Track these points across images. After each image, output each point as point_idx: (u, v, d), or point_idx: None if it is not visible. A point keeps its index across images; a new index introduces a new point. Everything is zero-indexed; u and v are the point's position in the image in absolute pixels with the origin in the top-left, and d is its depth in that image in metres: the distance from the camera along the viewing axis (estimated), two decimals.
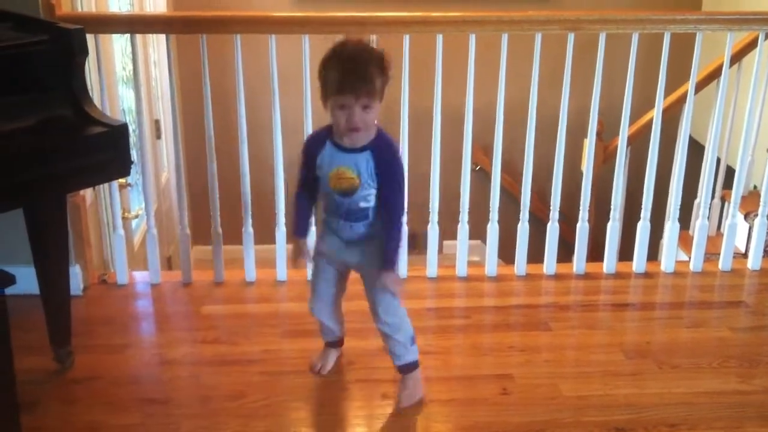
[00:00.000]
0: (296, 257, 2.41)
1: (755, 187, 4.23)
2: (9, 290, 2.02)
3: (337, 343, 2.61)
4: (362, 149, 2.19)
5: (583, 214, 3.26)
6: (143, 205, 3.20)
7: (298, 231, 2.40)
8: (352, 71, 2.08)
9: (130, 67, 3.37)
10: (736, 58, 3.70)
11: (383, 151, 2.20)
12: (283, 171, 3.08)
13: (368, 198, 2.24)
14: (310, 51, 2.93)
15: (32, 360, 2.52)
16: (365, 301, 2.43)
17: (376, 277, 2.28)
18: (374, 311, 2.36)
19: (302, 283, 3.17)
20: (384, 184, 2.21)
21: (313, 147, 2.25)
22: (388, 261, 2.25)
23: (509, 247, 3.33)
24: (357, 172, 2.19)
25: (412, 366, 2.43)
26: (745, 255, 3.64)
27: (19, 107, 2.14)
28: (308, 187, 2.35)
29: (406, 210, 2.27)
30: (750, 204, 4.01)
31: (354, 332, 2.75)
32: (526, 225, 3.24)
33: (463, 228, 3.22)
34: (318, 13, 3.06)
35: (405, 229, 2.28)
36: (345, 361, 2.62)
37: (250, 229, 3.15)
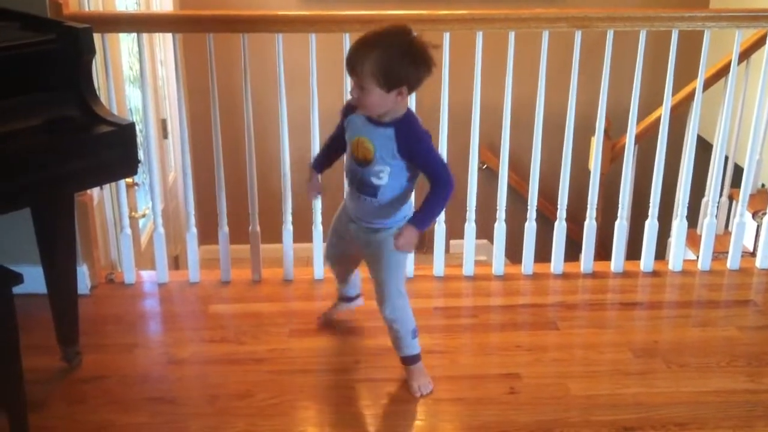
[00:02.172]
0: (308, 188, 2.59)
1: (763, 185, 4.22)
2: (16, 289, 2.03)
3: (346, 299, 2.75)
4: (386, 125, 2.23)
5: (591, 213, 3.25)
6: (150, 205, 3.20)
7: (315, 164, 2.57)
8: (353, 50, 2.15)
9: (137, 66, 3.37)
10: (745, 55, 3.68)
11: (405, 132, 2.23)
12: (290, 170, 3.08)
13: (380, 175, 2.27)
14: (316, 50, 2.93)
15: (40, 359, 2.52)
16: (373, 301, 2.44)
17: (377, 268, 2.38)
18: (378, 299, 2.43)
19: (309, 282, 3.18)
20: (416, 162, 2.27)
21: (347, 108, 2.34)
22: (420, 217, 2.28)
23: (516, 246, 3.32)
24: (373, 145, 2.24)
25: (412, 359, 2.47)
26: (753, 254, 3.63)
27: (27, 107, 2.13)
28: (338, 139, 2.43)
29: (452, 182, 2.28)
30: (758, 202, 4.00)
31: (361, 331, 2.76)
32: (534, 224, 3.24)
33: (470, 227, 3.22)
34: (325, 11, 3.06)
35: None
36: (352, 360, 2.62)
37: (257, 229, 3.15)
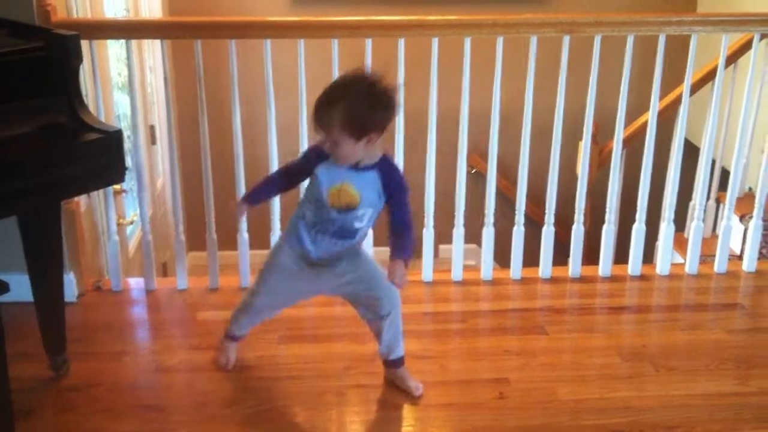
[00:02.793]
0: (235, 215, 2.49)
1: (750, 188, 4.24)
2: (3, 298, 2.03)
3: (240, 338, 2.64)
4: (368, 169, 2.23)
5: (579, 217, 3.26)
6: (138, 212, 3.19)
7: (251, 198, 2.46)
8: (318, 106, 2.14)
9: (125, 72, 3.36)
10: (732, 59, 3.70)
11: (387, 172, 2.25)
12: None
13: (363, 218, 2.28)
14: (305, 55, 2.93)
15: (27, 368, 2.51)
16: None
17: (368, 277, 2.38)
18: (378, 306, 2.39)
19: None
20: (397, 197, 2.26)
21: (322, 153, 2.24)
22: (405, 251, 2.27)
23: (505, 250, 3.33)
24: (359, 191, 2.23)
25: (401, 361, 2.49)
26: (740, 257, 3.64)
27: (14, 114, 2.13)
28: (290, 176, 2.41)
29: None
30: (745, 206, 4.02)
31: (351, 337, 2.75)
32: (522, 228, 3.24)
33: (459, 231, 3.22)
34: (314, 17, 3.06)
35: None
36: (341, 366, 2.62)
37: (245, 235, 3.15)
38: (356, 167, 2.22)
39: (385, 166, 2.25)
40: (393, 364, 2.50)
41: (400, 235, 2.28)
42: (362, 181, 2.23)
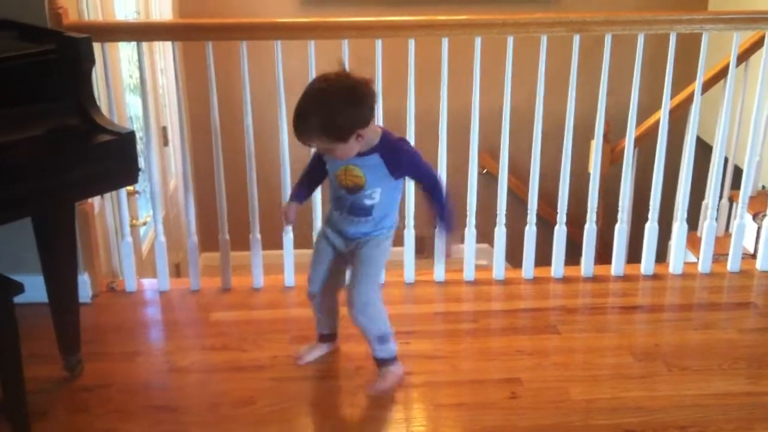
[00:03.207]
0: (285, 217, 2.54)
1: (763, 187, 4.22)
2: (18, 299, 2.04)
3: (327, 338, 2.66)
4: (369, 154, 2.26)
5: (591, 216, 3.26)
6: (151, 213, 3.21)
7: (296, 197, 2.52)
8: (295, 128, 2.18)
9: (136, 74, 3.38)
10: (743, 57, 3.68)
11: (389, 154, 2.27)
12: (290, 176, 3.08)
13: (373, 196, 2.32)
14: (316, 56, 2.94)
15: (42, 368, 2.52)
16: None
17: (358, 267, 2.39)
18: (349, 300, 2.40)
19: None
20: (408, 174, 2.33)
21: None
22: (447, 225, 2.36)
23: (517, 250, 3.32)
24: (363, 173, 2.27)
25: (384, 362, 2.49)
26: (753, 256, 3.63)
27: (27, 116, 2.14)
28: (316, 168, 2.46)
29: (441, 180, 2.38)
30: (758, 204, 4.00)
31: (360, 337, 2.75)
32: (534, 228, 3.24)
33: (471, 231, 3.22)
34: (323, 18, 3.07)
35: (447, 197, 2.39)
36: (353, 366, 2.63)
37: (258, 236, 3.16)
38: (358, 154, 2.26)
39: (386, 148, 2.27)
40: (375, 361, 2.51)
41: (438, 204, 2.34)
42: (366, 165, 2.27)
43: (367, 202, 2.32)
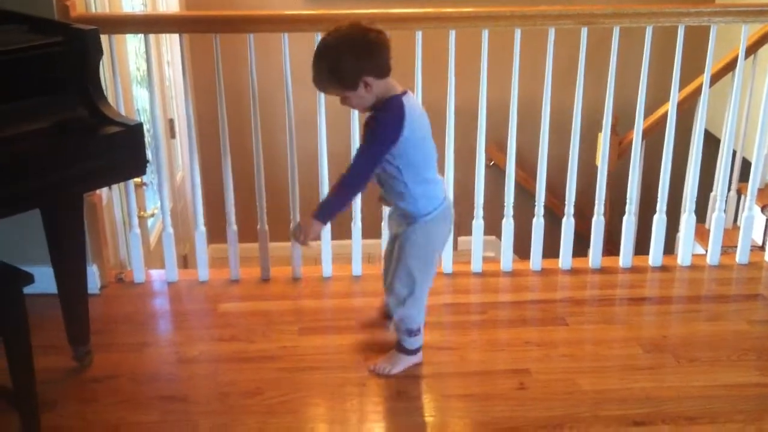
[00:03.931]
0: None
1: None
2: (27, 290, 2.05)
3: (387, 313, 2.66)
4: (374, 109, 2.29)
5: (599, 208, 3.25)
6: (159, 204, 3.22)
7: None
8: (312, 76, 2.24)
9: (144, 67, 3.38)
10: (751, 50, 3.67)
11: (377, 112, 2.27)
12: (297, 168, 3.09)
13: None
14: None
15: (51, 359, 2.53)
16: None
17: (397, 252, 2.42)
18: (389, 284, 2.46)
19: (317, 279, 3.19)
20: (363, 138, 2.31)
21: None
22: (319, 207, 2.32)
23: (524, 242, 3.32)
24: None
25: (403, 349, 2.53)
26: (761, 247, 3.63)
27: (36, 109, 2.15)
28: None
29: (365, 179, 2.30)
30: (766, 196, 3.99)
31: (371, 328, 2.75)
32: (541, 220, 3.24)
33: (478, 224, 3.22)
34: (330, 10, 3.06)
35: (353, 191, 2.38)
36: (361, 357, 2.63)
37: (266, 227, 3.16)
38: (370, 109, 2.29)
39: (376, 112, 2.27)
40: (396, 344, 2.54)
41: (333, 188, 2.34)
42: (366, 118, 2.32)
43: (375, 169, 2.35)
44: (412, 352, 2.55)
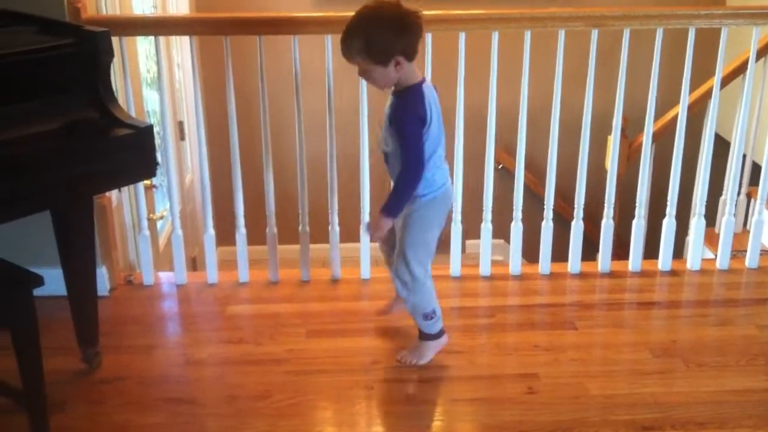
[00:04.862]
0: None
1: None
2: (37, 291, 2.05)
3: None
4: (394, 94, 2.34)
5: (608, 212, 3.24)
6: (168, 206, 3.22)
7: None
8: (341, 40, 2.27)
9: (154, 69, 3.39)
10: (762, 52, 3.65)
11: (398, 103, 2.32)
12: (306, 170, 3.09)
13: (387, 141, 2.38)
14: (332, 51, 2.94)
15: (60, 360, 2.54)
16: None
17: (398, 237, 2.47)
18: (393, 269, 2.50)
19: (326, 282, 3.19)
20: (396, 136, 2.32)
21: None
22: (385, 203, 2.36)
23: (533, 245, 3.31)
24: (385, 112, 2.37)
25: (425, 336, 2.56)
26: None
27: (46, 110, 2.15)
28: None
29: (421, 167, 2.33)
30: None
31: (378, 331, 2.76)
32: (550, 223, 3.23)
33: (487, 227, 3.21)
34: (339, 13, 3.06)
35: (414, 185, 2.37)
36: (369, 360, 2.63)
37: (274, 230, 3.16)
38: (394, 91, 2.33)
39: (402, 97, 2.31)
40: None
41: (394, 187, 2.36)
42: (389, 104, 2.36)
43: (384, 147, 2.38)
44: (435, 336, 2.57)
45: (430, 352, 2.58)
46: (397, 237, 2.49)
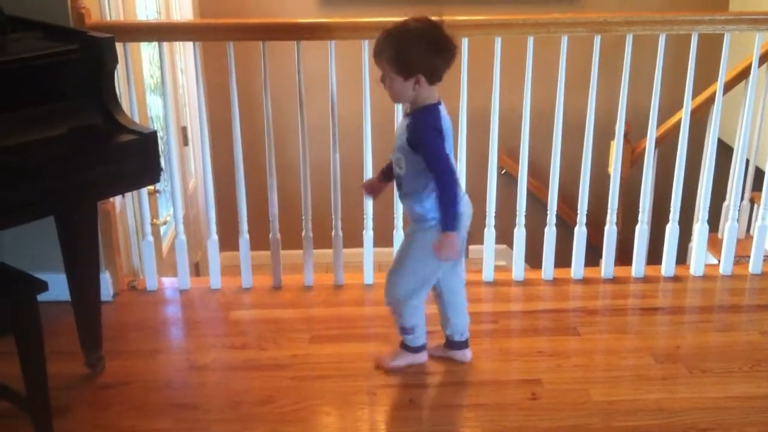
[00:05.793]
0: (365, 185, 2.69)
1: None
2: (41, 297, 2.06)
3: (447, 342, 2.68)
4: (408, 115, 2.33)
5: (611, 217, 3.24)
6: (171, 212, 3.23)
7: (383, 170, 2.59)
8: (377, 40, 2.26)
9: (157, 74, 3.40)
10: (765, 58, 3.66)
11: (415, 123, 2.30)
12: (309, 176, 3.09)
13: (400, 164, 2.35)
14: (336, 57, 2.94)
15: (64, 365, 2.54)
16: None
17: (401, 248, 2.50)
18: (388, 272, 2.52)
19: (329, 288, 3.19)
20: (420, 153, 2.29)
21: None
22: (441, 220, 2.32)
23: (536, 251, 3.31)
24: (397, 133, 2.37)
25: (404, 346, 2.58)
26: None
27: (50, 115, 2.16)
28: None
29: (454, 173, 2.31)
30: None
31: (382, 337, 2.76)
32: (553, 229, 3.23)
33: (490, 232, 3.21)
34: (343, 18, 3.07)
35: (455, 191, 2.32)
36: (372, 365, 2.63)
37: (278, 235, 3.17)
38: (407, 111, 2.34)
39: (418, 116, 2.30)
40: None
41: (438, 198, 2.31)
42: (402, 124, 2.35)
43: (397, 169, 2.37)
44: (413, 350, 2.58)
45: (403, 361, 2.59)
46: (400, 249, 2.51)
